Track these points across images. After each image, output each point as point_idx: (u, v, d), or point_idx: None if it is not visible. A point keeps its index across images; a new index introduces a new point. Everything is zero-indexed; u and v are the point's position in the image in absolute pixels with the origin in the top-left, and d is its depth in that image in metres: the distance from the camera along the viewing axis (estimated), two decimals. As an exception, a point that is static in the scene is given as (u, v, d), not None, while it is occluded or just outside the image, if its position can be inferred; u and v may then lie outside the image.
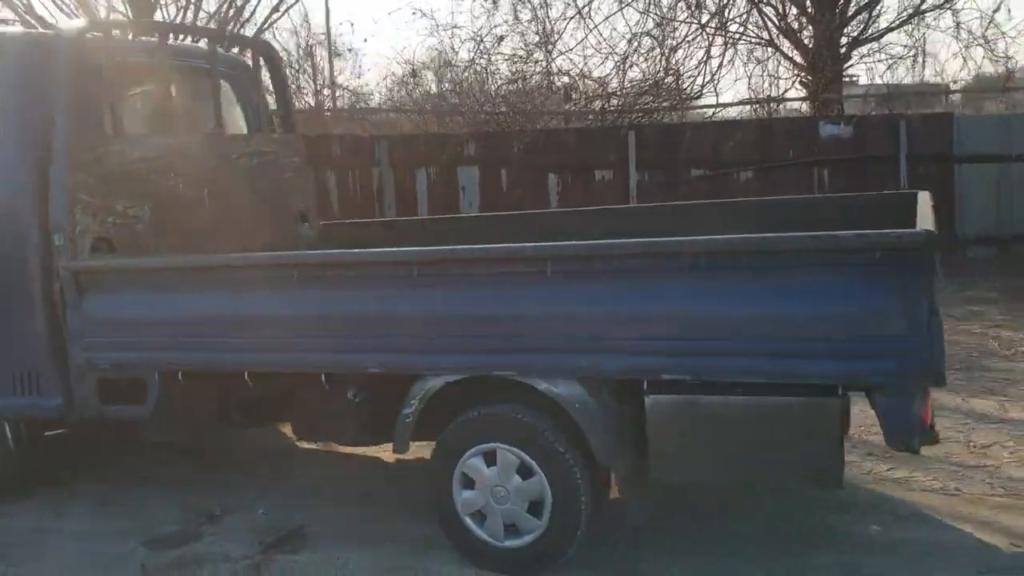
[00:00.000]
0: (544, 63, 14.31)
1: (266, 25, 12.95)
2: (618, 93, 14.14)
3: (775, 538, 3.98)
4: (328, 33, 17.95)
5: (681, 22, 14.06)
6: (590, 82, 14.45)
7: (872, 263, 3.03)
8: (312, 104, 16.85)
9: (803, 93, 14.45)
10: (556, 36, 14.10)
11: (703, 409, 3.32)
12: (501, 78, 14.43)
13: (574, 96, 13.98)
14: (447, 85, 15.87)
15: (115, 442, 5.20)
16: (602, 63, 14.49)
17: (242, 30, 12.21)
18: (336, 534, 4.21)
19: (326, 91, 17.34)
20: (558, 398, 3.50)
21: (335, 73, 18.07)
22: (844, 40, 13.97)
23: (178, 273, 4.18)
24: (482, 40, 14.09)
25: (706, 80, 14.29)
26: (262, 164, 5.51)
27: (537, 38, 14.22)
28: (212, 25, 11.72)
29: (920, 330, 2.97)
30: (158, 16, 11.36)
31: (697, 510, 4.31)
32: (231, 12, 12.31)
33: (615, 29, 14.31)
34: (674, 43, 14.11)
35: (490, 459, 3.66)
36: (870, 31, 14.04)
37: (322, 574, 3.85)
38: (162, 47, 4.85)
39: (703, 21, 13.96)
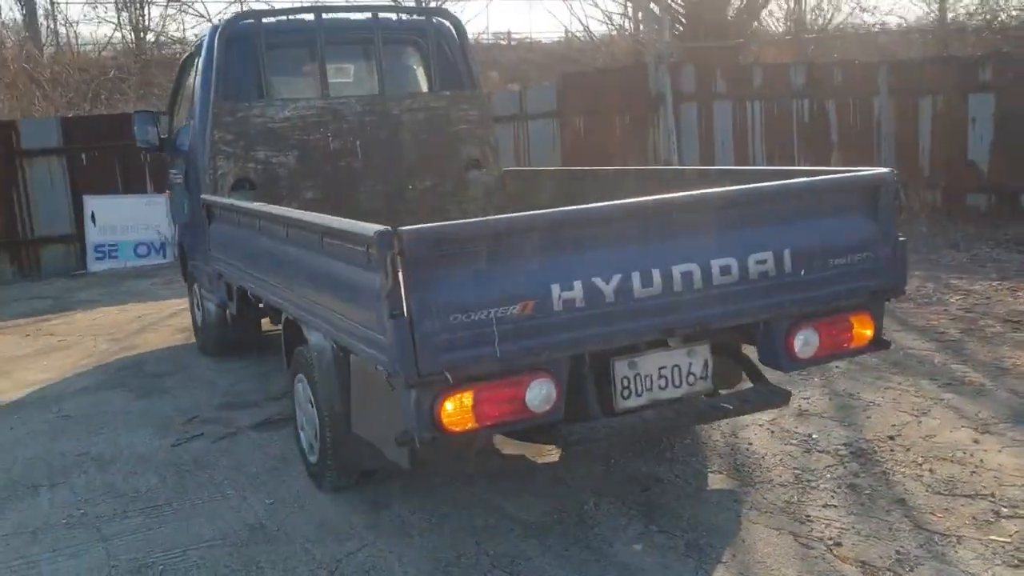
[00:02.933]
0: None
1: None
2: None
3: (521, 513, 3.93)
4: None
5: None
6: None
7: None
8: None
9: None
10: None
11: (363, 368, 3.56)
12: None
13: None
14: None
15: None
16: None
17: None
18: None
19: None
20: (309, 344, 4.04)
21: None
22: None
23: (233, 213, 5.54)
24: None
25: None
26: (429, 119, 6.45)
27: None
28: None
29: (383, 328, 2.91)
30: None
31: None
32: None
33: None
34: None
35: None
36: None
37: (243, 449, 4.98)
38: (318, 24, 6.12)
39: None
